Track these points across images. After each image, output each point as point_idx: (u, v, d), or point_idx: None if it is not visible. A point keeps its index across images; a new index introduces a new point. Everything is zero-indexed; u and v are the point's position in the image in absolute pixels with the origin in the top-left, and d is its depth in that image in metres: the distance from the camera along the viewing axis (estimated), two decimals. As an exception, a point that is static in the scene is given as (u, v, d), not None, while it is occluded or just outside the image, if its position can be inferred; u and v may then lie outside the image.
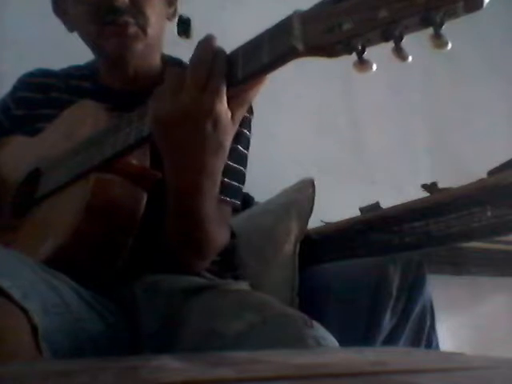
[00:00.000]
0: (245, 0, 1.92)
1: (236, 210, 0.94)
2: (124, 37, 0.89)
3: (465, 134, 2.26)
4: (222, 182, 0.89)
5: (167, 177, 0.75)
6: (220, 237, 0.85)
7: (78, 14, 0.92)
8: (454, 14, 0.49)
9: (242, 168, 0.94)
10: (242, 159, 0.95)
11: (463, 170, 1.54)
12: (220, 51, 0.67)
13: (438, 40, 0.50)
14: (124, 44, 0.89)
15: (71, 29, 0.98)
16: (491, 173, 1.08)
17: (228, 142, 0.70)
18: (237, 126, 0.71)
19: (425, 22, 0.50)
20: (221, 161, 0.72)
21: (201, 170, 0.72)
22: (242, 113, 0.70)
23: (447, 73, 2.22)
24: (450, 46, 0.50)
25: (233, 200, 0.91)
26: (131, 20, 0.88)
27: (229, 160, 0.90)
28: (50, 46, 1.50)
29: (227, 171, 0.90)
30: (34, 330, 0.60)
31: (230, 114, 0.68)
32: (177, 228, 0.81)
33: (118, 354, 0.70)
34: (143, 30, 0.90)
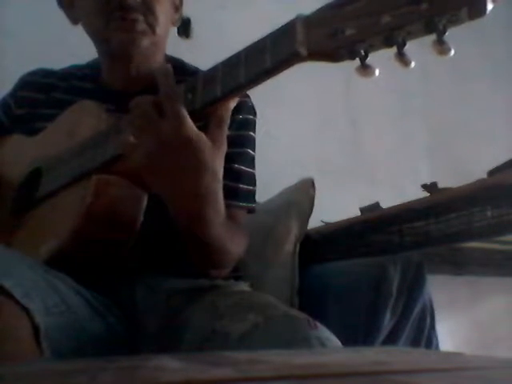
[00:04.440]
0: (245, 0, 1.92)
1: (252, 212, 0.95)
2: (131, 32, 0.88)
3: (465, 134, 2.26)
4: (238, 188, 0.90)
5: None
6: (235, 246, 0.84)
7: (86, 5, 0.91)
8: (457, 21, 0.50)
9: (253, 171, 0.95)
10: (253, 162, 0.96)
11: (463, 170, 1.54)
12: (166, 77, 0.67)
13: (441, 46, 0.50)
14: (131, 39, 0.89)
15: (75, 21, 0.97)
16: (491, 173, 1.08)
17: (210, 159, 0.68)
18: (222, 143, 0.70)
19: (428, 29, 0.51)
20: (207, 179, 0.70)
21: (189, 193, 0.71)
22: (221, 130, 0.69)
23: (447, 73, 2.22)
24: (452, 52, 0.50)
25: (249, 204, 0.92)
26: (140, 17, 0.88)
27: (242, 165, 0.92)
28: (50, 44, 1.50)
29: (242, 177, 0.91)
30: (36, 329, 0.60)
31: (202, 133, 0.67)
32: (187, 246, 0.81)
33: (118, 354, 0.70)
34: (152, 27, 0.90)
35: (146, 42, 0.90)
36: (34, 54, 1.44)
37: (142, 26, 0.88)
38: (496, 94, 2.38)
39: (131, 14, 0.87)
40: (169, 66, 0.68)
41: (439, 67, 2.19)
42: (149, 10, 0.88)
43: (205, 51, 1.18)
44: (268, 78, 0.62)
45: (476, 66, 2.31)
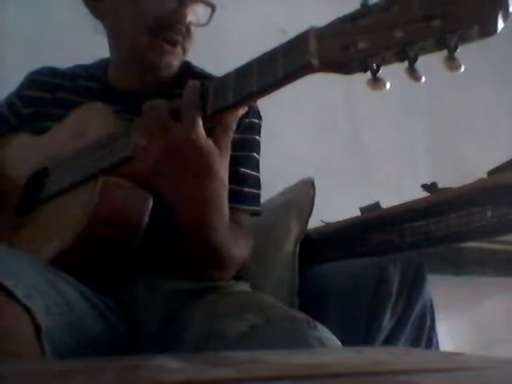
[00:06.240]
0: (245, 0, 1.92)
1: (257, 215, 0.95)
2: (170, 55, 0.91)
3: (465, 134, 2.26)
4: (242, 192, 0.91)
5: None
6: (239, 250, 0.85)
7: (131, 12, 0.90)
8: (468, 39, 0.50)
9: (257, 174, 0.96)
10: (257, 165, 0.96)
11: (463, 170, 1.54)
12: (191, 86, 0.69)
13: (452, 63, 0.51)
14: (169, 61, 0.91)
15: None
16: (491, 173, 1.08)
17: (218, 166, 0.70)
18: (227, 149, 0.71)
19: (439, 45, 0.51)
20: (215, 185, 0.72)
21: (197, 198, 0.72)
22: (227, 137, 0.71)
23: (447, 73, 2.22)
24: (462, 69, 0.50)
25: (253, 207, 0.93)
26: (180, 40, 0.91)
27: (247, 169, 0.92)
28: (50, 44, 1.50)
29: (247, 180, 0.92)
30: (37, 329, 0.60)
31: (210, 140, 0.69)
32: (191, 250, 0.81)
33: (119, 354, 0.70)
34: (185, 50, 0.93)
35: (177, 62, 0.93)
36: (34, 54, 1.44)
37: (179, 49, 0.92)
38: (496, 94, 2.38)
39: (176, 37, 0.90)
40: (198, 82, 0.70)
41: (440, 68, 2.19)
42: (188, 35, 0.92)
43: (205, 51, 1.18)
44: (279, 88, 0.63)
45: (477, 67, 2.30)
